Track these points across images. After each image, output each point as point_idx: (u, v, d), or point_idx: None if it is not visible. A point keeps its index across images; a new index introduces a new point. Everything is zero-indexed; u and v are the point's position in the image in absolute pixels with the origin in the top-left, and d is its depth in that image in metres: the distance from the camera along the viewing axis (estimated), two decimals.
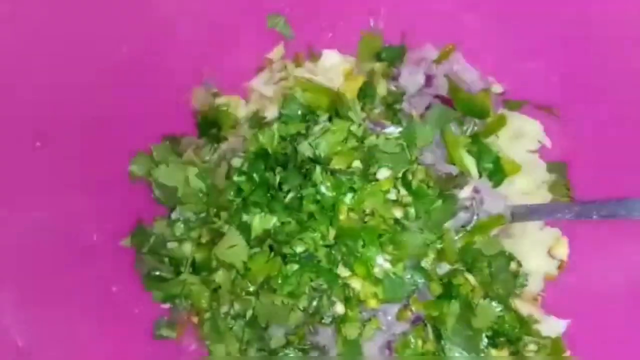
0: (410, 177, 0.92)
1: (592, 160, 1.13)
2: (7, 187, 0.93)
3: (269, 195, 0.96)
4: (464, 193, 0.99)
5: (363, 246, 0.90)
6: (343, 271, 0.91)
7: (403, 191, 0.93)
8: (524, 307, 1.06)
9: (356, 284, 0.91)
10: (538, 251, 1.11)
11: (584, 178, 1.14)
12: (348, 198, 0.90)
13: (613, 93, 1.09)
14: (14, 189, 0.95)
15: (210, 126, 1.15)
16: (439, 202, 0.94)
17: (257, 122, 1.08)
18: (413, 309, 0.97)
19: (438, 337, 0.98)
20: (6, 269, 0.86)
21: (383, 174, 0.92)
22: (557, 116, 1.16)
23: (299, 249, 0.89)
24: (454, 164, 1.08)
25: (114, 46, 1.06)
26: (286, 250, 0.91)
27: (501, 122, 1.16)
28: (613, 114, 1.09)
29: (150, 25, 1.09)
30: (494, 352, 0.97)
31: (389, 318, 0.98)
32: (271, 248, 0.94)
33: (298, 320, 0.94)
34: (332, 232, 0.90)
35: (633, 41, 1.03)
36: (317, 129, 0.98)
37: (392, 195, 0.92)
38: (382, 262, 0.91)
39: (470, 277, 1.00)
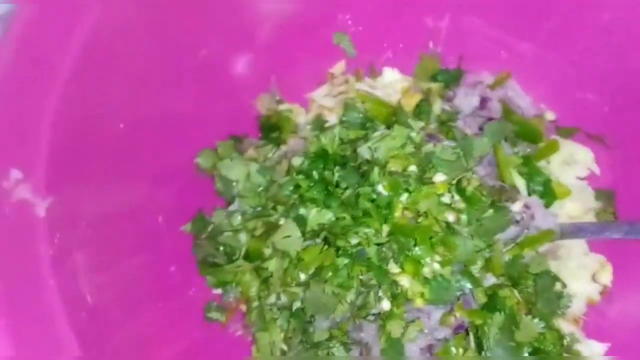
0: (465, 183, 0.96)
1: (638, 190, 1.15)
2: (89, 169, 1.00)
3: (325, 192, 1.00)
4: (516, 207, 1.02)
5: (415, 245, 0.93)
6: (393, 267, 0.94)
7: (457, 196, 0.96)
8: (566, 327, 1.07)
9: (405, 281, 0.94)
10: (582, 275, 1.13)
11: (630, 207, 1.16)
12: (404, 197, 0.94)
13: None
14: (95, 172, 1.01)
15: (272, 130, 1.22)
16: (491, 211, 0.97)
17: (320, 125, 1.14)
18: (457, 314, 0.99)
19: (479, 346, 0.99)
20: (82, 238, 0.92)
21: (439, 177, 0.96)
22: (607, 145, 1.19)
23: (353, 241, 0.93)
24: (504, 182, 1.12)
25: (194, 50, 1.15)
26: (340, 243, 0.95)
27: (553, 147, 1.19)
28: None
29: (229, 32, 1.17)
30: None
31: (433, 322, 1.00)
32: (326, 241, 0.98)
33: (344, 312, 0.97)
34: (385, 229, 0.94)
35: None
36: (376, 134, 1.04)
37: (446, 199, 0.95)
38: (431, 263, 0.94)
39: (515, 292, 1.02)
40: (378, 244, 0.95)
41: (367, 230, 0.94)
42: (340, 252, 0.95)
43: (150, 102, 1.10)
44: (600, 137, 1.20)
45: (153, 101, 1.10)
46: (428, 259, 0.94)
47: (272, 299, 1.05)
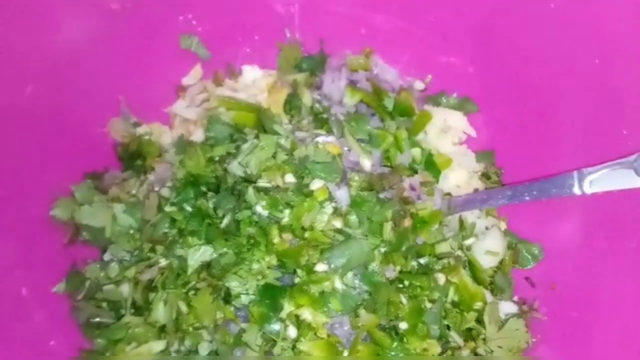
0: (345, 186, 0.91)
1: (516, 145, 1.17)
2: None
3: (204, 223, 0.92)
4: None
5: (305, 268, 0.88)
6: (287, 306, 0.88)
7: (340, 199, 0.92)
8: None
9: (306, 314, 0.89)
10: None
11: (511, 163, 1.18)
12: (286, 216, 0.88)
13: (524, 78, 1.12)
14: None
15: (134, 158, 1.10)
16: (378, 206, 0.93)
17: (183, 146, 1.04)
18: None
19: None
20: None
21: (316, 184, 0.91)
22: (477, 107, 1.20)
23: (234, 284, 0.86)
24: (390, 165, 1.09)
25: (18, 87, 1.00)
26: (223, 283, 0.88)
27: (426, 117, 1.18)
28: (527, 99, 1.13)
29: (54, 60, 1.03)
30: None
31: (346, 328, 0.96)
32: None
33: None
34: (272, 258, 0.88)
35: (544, 22, 1.07)
36: (245, 147, 0.96)
37: (329, 209, 0.90)
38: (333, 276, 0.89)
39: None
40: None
41: (254, 265, 0.86)
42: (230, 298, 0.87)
43: None
44: (470, 98, 1.20)
45: None
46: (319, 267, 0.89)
47: (175, 346, 0.96)
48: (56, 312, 0.98)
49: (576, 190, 0.94)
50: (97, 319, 0.98)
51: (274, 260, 0.87)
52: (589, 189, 0.93)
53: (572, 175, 0.94)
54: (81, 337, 0.98)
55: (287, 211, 0.88)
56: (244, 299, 0.87)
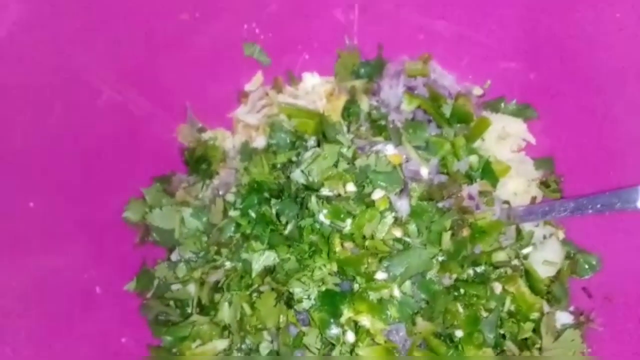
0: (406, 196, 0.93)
1: (577, 153, 1.15)
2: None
3: (268, 228, 0.96)
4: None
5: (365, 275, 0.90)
6: (346, 312, 0.91)
7: (401, 209, 0.93)
8: None
9: (365, 321, 0.91)
10: None
11: (571, 171, 1.16)
12: (347, 225, 0.91)
13: (587, 84, 1.11)
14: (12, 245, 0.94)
15: (200, 162, 1.15)
16: (437, 216, 0.94)
17: (248, 154, 1.08)
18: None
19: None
20: (11, 327, 0.86)
21: (377, 194, 0.93)
22: (538, 112, 1.18)
23: (297, 289, 0.89)
24: (446, 173, 1.10)
25: (94, 93, 1.06)
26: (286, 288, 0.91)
27: (485, 124, 1.17)
28: (590, 106, 1.11)
29: (128, 68, 1.08)
30: None
31: (402, 334, 0.98)
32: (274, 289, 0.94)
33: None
34: (333, 265, 0.90)
35: (608, 28, 1.05)
36: (307, 155, 0.99)
37: (389, 217, 0.92)
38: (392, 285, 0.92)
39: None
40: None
41: (316, 272, 0.89)
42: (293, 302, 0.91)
43: (58, 159, 1.02)
44: (530, 105, 1.20)
45: (61, 157, 1.02)
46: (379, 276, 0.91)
47: (237, 345, 1.00)
48: (127, 310, 1.04)
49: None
50: (165, 317, 1.03)
51: (334, 268, 0.90)
52: None
53: (637, 189, 0.93)
54: (149, 334, 1.04)
55: (348, 220, 0.91)
56: (306, 304, 0.90)
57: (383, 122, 1.13)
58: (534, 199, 1.15)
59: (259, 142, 1.13)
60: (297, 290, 0.89)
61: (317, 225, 0.92)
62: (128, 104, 1.10)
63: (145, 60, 1.10)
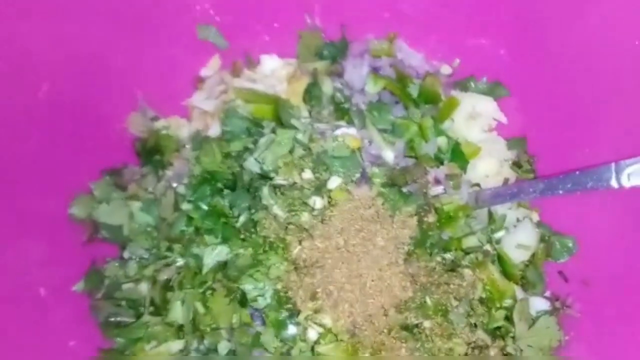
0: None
1: (549, 131, 1.10)
2: None
3: (220, 221, 0.90)
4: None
5: None
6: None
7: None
8: None
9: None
10: None
11: (544, 151, 1.12)
12: (303, 216, 0.85)
13: (561, 61, 1.06)
14: None
15: (152, 153, 1.08)
16: (401, 202, 0.89)
17: (199, 142, 1.01)
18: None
19: None
20: None
21: (333, 183, 0.87)
22: (508, 92, 1.13)
23: (249, 287, 0.84)
24: (414, 156, 1.04)
25: (33, 86, 0.99)
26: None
27: (453, 103, 1.12)
28: (563, 83, 1.06)
29: (69, 56, 1.01)
30: None
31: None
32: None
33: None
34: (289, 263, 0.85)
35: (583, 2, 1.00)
36: (262, 141, 0.93)
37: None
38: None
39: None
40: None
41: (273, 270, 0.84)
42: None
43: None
44: (501, 82, 1.14)
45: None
46: None
47: (195, 345, 0.94)
48: (75, 312, 0.98)
49: (613, 183, 0.88)
50: (117, 318, 0.97)
51: (291, 266, 0.84)
52: (627, 182, 0.87)
53: (609, 167, 0.88)
54: (100, 336, 0.98)
55: (304, 213, 0.85)
56: (261, 302, 0.85)
57: (347, 105, 1.07)
58: (506, 180, 1.10)
59: (215, 129, 1.06)
60: (248, 287, 0.83)
61: (272, 219, 0.86)
62: (73, 93, 1.03)
63: (88, 46, 1.03)
